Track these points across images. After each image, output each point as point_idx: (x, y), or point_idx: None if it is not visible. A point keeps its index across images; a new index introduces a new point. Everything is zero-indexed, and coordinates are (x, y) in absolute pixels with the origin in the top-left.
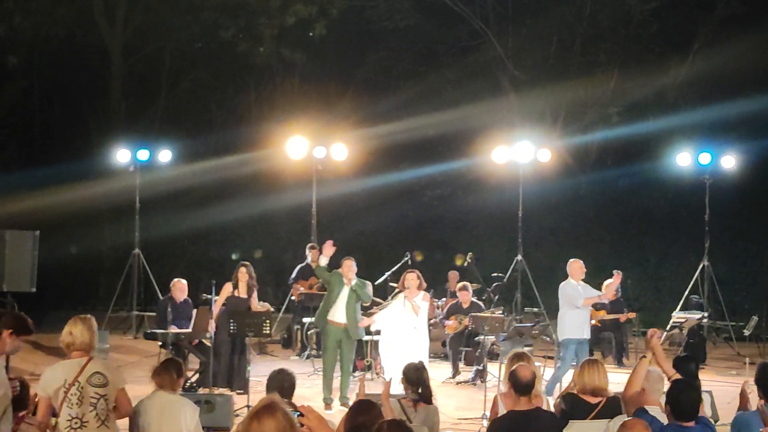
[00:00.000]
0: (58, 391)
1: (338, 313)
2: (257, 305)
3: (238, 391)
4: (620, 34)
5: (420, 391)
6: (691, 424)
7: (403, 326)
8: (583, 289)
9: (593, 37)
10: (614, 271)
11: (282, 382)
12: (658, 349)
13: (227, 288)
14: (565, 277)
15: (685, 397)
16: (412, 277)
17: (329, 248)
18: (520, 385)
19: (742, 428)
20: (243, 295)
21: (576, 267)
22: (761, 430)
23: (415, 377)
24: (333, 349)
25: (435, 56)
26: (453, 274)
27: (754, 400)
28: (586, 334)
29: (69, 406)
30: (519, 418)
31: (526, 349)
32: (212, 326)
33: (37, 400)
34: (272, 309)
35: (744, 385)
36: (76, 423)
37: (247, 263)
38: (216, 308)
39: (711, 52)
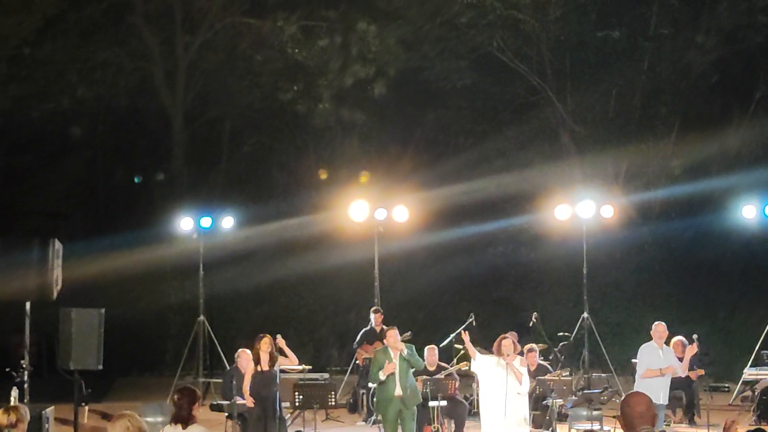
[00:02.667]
0: None
1: (395, 387)
2: (296, 360)
3: None
4: (680, 86)
5: None
6: None
7: (505, 391)
8: (665, 354)
9: (653, 90)
10: (694, 336)
11: None
12: None
13: (251, 365)
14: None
15: None
16: (508, 344)
17: None
18: None
19: None
20: (265, 367)
21: (658, 330)
22: None
23: None
24: (393, 420)
25: (494, 113)
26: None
27: None
28: (663, 400)
29: None
30: None
31: (595, 413)
32: (250, 401)
33: None
34: (308, 367)
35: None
36: None
37: (268, 336)
38: (246, 385)
39: None
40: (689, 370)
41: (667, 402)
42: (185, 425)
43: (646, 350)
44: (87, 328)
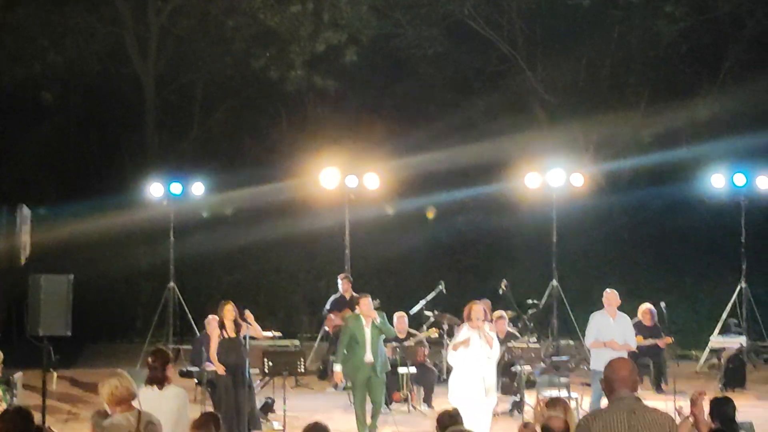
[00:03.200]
0: None
1: (365, 354)
2: (261, 333)
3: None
4: (650, 55)
5: None
6: None
7: (478, 357)
8: (617, 323)
9: (623, 58)
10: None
11: None
12: (702, 414)
13: (216, 331)
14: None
15: None
16: (478, 309)
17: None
18: None
19: None
20: (231, 334)
21: (609, 298)
22: None
23: (449, 423)
24: (362, 386)
25: (465, 81)
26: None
27: None
28: None
29: None
30: None
31: (562, 380)
32: (221, 368)
33: None
34: (278, 334)
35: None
36: None
37: (231, 302)
38: (212, 351)
39: (742, 71)
40: (657, 338)
41: None
42: (161, 386)
43: (595, 319)
44: (56, 295)
